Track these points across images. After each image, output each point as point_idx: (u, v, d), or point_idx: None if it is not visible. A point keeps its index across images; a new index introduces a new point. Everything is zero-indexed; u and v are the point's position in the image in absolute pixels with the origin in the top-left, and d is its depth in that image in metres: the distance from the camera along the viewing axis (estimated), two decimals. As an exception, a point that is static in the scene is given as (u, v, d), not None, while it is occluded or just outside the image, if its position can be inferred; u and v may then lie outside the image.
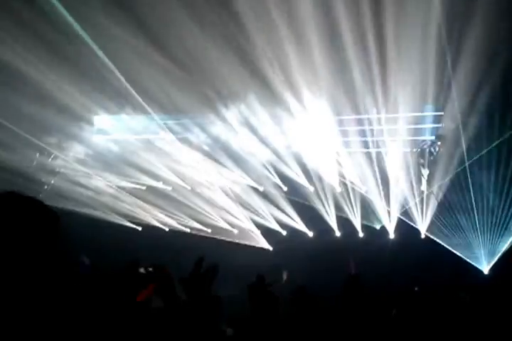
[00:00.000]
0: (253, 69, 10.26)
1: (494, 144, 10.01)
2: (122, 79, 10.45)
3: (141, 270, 1.73)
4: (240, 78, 10.41)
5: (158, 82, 10.42)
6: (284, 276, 11.22)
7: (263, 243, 11.98)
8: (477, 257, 10.44)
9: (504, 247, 10.30)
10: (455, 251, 10.58)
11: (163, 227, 12.66)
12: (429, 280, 8.95)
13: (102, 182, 12.67)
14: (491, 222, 10.42)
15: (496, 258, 10.28)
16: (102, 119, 12.73)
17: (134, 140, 12.67)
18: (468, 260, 10.44)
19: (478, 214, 10.49)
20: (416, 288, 9.11)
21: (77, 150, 12.62)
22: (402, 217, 11.34)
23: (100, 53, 9.77)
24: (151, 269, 1.73)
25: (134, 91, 10.94)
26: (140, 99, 11.16)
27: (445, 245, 10.66)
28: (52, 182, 12.59)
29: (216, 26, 9.58)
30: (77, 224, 11.41)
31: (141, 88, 10.80)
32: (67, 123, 11.97)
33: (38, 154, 12.18)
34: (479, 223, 10.52)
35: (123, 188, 12.75)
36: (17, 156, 11.13)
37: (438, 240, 10.80)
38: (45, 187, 12.48)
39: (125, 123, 12.70)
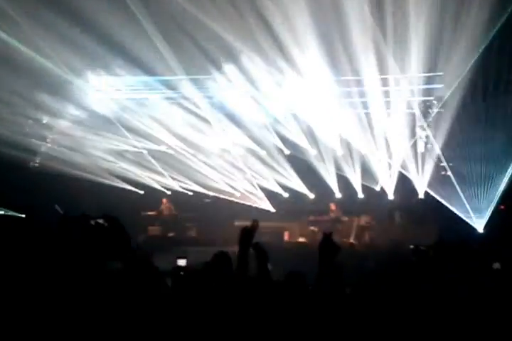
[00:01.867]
0: (251, 29, 10.04)
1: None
2: (118, 38, 10.22)
3: (92, 222, 1.75)
4: (239, 38, 10.21)
5: (155, 40, 10.21)
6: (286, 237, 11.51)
7: (265, 205, 12.15)
8: (471, 216, 10.67)
9: (493, 202, 10.50)
10: (453, 210, 10.78)
11: (165, 191, 12.79)
12: (424, 239, 9.19)
13: (100, 145, 12.63)
14: (487, 178, 10.57)
15: (488, 215, 10.49)
16: (97, 79, 12.53)
17: (131, 101, 12.53)
18: (465, 219, 10.67)
19: (475, 173, 10.62)
20: (411, 246, 9.39)
21: (73, 111, 12.49)
22: (401, 178, 11.45)
23: (94, 12, 9.48)
24: (101, 221, 1.71)
25: (130, 51, 10.74)
26: (138, 59, 10.98)
27: (442, 204, 10.84)
28: (49, 145, 12.55)
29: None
30: (79, 188, 11.59)
31: (139, 47, 10.59)
32: (63, 83, 11.79)
33: (32, 116, 12.05)
34: (476, 182, 10.68)
35: (122, 151, 12.77)
36: (11, 118, 11.02)
37: (436, 199, 10.97)
38: (41, 149, 12.47)
39: (121, 83, 12.54)
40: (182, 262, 2.80)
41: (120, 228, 1.71)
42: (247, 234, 2.51)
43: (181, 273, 2.56)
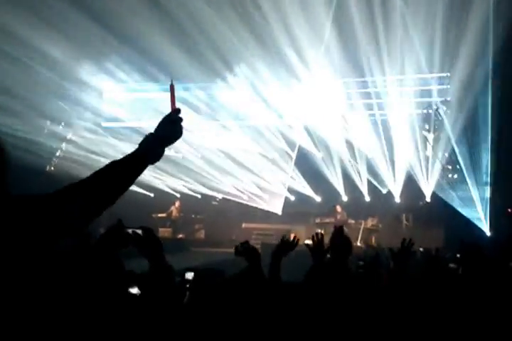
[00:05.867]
0: (259, 33, 10.21)
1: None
2: (129, 46, 10.51)
3: (129, 231, 1.70)
4: (247, 42, 10.38)
5: (166, 48, 10.44)
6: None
7: (272, 207, 12.27)
8: (479, 218, 10.65)
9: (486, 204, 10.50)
10: (461, 213, 10.76)
11: (175, 193, 12.99)
12: (432, 242, 9.27)
13: (113, 149, 12.89)
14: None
15: (488, 217, 10.48)
16: (109, 86, 12.87)
17: (142, 105, 12.79)
18: (473, 221, 10.65)
19: (479, 176, 10.64)
20: (421, 249, 9.43)
21: (88, 116, 12.81)
22: (407, 181, 11.47)
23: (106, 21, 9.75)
24: (139, 231, 1.71)
25: (141, 59, 11.02)
26: (148, 67, 11.25)
27: (449, 207, 10.83)
28: (63, 148, 12.85)
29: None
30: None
31: (148, 55, 10.84)
32: (77, 91, 12.14)
33: (48, 122, 12.38)
34: (480, 185, 10.68)
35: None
36: (28, 124, 11.31)
37: (442, 202, 10.97)
38: (57, 154, 12.77)
39: (133, 90, 12.84)
40: (190, 275, 2.87)
41: (156, 239, 1.73)
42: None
43: (188, 286, 2.60)
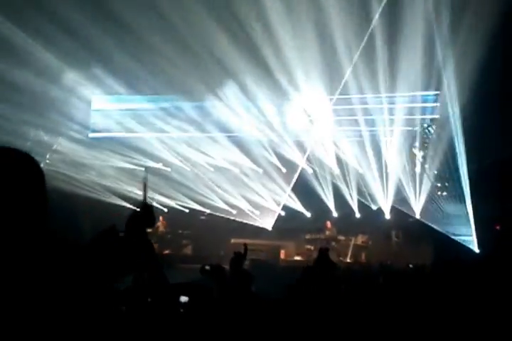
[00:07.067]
0: (251, 49, 10.27)
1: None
2: (120, 59, 10.46)
3: (121, 235, 1.68)
4: (238, 57, 10.42)
5: (157, 60, 10.43)
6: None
7: (261, 223, 12.13)
8: (467, 235, 10.66)
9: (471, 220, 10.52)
10: (450, 229, 10.77)
11: (162, 208, 12.77)
12: (421, 258, 9.24)
13: (98, 162, 12.70)
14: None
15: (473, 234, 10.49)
16: (99, 99, 12.74)
17: (129, 118, 12.68)
18: (459, 239, 10.66)
19: (467, 193, 10.68)
20: (410, 265, 9.39)
21: (73, 128, 12.62)
22: (397, 197, 11.47)
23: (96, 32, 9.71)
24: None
25: (131, 71, 10.98)
26: (138, 78, 11.20)
27: (439, 224, 10.84)
28: (48, 161, 12.61)
29: (213, 9, 9.61)
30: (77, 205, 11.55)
31: (139, 67, 10.80)
32: (65, 103, 12.00)
33: (33, 132, 12.16)
34: (468, 201, 10.71)
35: (120, 168, 12.82)
36: (12, 133, 11.11)
37: (431, 220, 10.98)
38: (41, 165, 12.52)
39: (123, 102, 12.74)
40: (184, 299, 2.83)
41: (148, 241, 1.74)
42: (238, 258, 2.52)
43: (181, 310, 2.54)
